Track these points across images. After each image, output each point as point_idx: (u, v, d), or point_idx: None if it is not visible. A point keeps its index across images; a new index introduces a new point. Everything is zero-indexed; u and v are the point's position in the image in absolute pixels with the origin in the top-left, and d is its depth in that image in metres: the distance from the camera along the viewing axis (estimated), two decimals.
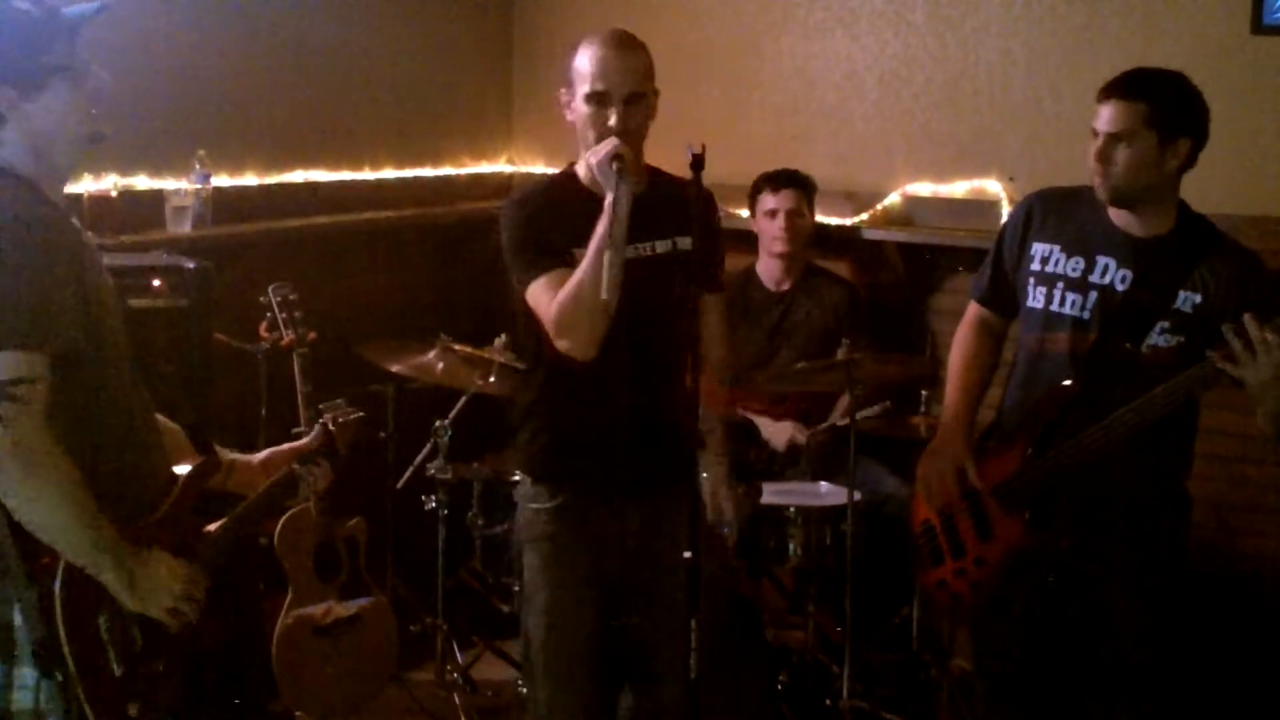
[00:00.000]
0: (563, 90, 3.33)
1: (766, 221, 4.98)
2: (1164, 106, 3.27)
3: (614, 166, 3.11)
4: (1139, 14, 4.76)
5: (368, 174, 5.45)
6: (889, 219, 5.26)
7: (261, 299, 4.40)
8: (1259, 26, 4.52)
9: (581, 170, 3.35)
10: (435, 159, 5.66)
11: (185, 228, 4.63)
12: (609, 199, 3.12)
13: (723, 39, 5.58)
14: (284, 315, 4.38)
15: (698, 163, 3.02)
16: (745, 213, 5.10)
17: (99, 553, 2.55)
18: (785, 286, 5.05)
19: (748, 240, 5.08)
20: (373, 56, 5.39)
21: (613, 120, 3.21)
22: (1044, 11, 4.96)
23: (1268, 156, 4.59)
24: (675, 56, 5.64)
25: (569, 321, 3.16)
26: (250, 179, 5.01)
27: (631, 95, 3.25)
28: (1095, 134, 3.30)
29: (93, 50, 2.64)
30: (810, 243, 5.09)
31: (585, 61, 3.26)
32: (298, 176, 5.18)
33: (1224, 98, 4.57)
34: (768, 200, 4.97)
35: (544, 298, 3.20)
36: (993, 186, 5.04)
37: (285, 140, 5.12)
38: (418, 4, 5.59)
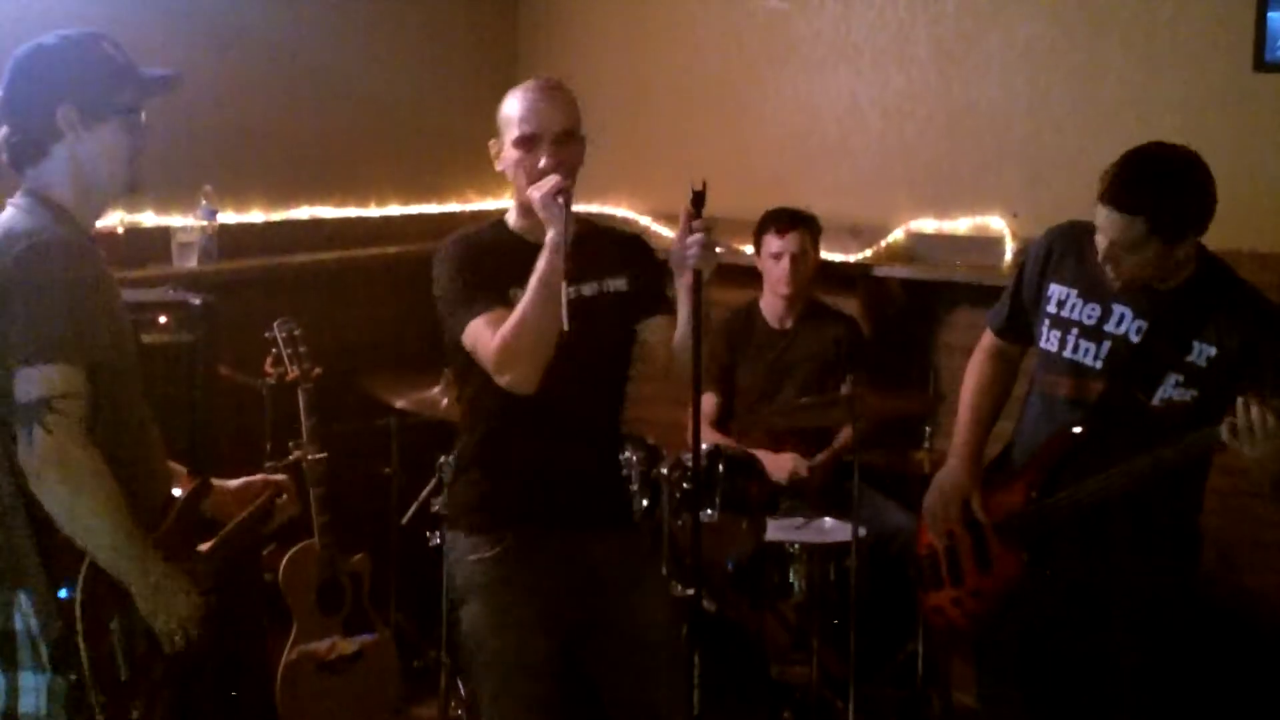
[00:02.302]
0: (491, 141, 3.30)
1: (771, 263, 4.98)
2: (1164, 217, 3.14)
3: (559, 200, 3.08)
4: (1141, 51, 4.78)
5: (373, 210, 5.47)
6: (893, 255, 5.27)
7: (266, 334, 4.42)
8: (1260, 64, 4.53)
9: (512, 219, 3.35)
10: (440, 195, 5.68)
11: (191, 263, 4.65)
12: (551, 234, 3.09)
13: (725, 73, 5.60)
14: (289, 351, 4.40)
15: (698, 199, 3.04)
16: (749, 248, 5.11)
17: (132, 560, 2.69)
18: (788, 323, 5.06)
19: (750, 274, 5.10)
20: (378, 94, 5.42)
21: (543, 161, 3.18)
22: (1046, 48, 4.97)
23: (1270, 193, 4.59)
24: (678, 91, 5.70)
25: (512, 355, 3.10)
26: (256, 215, 5.03)
27: (562, 134, 3.22)
28: (1101, 231, 3.21)
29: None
30: (814, 279, 5.09)
31: (513, 107, 3.25)
32: (303, 213, 5.20)
33: (1226, 134, 4.60)
34: (773, 243, 4.97)
35: (485, 335, 3.15)
36: (996, 223, 5.05)
37: (291, 177, 5.14)
38: (423, 42, 5.61)
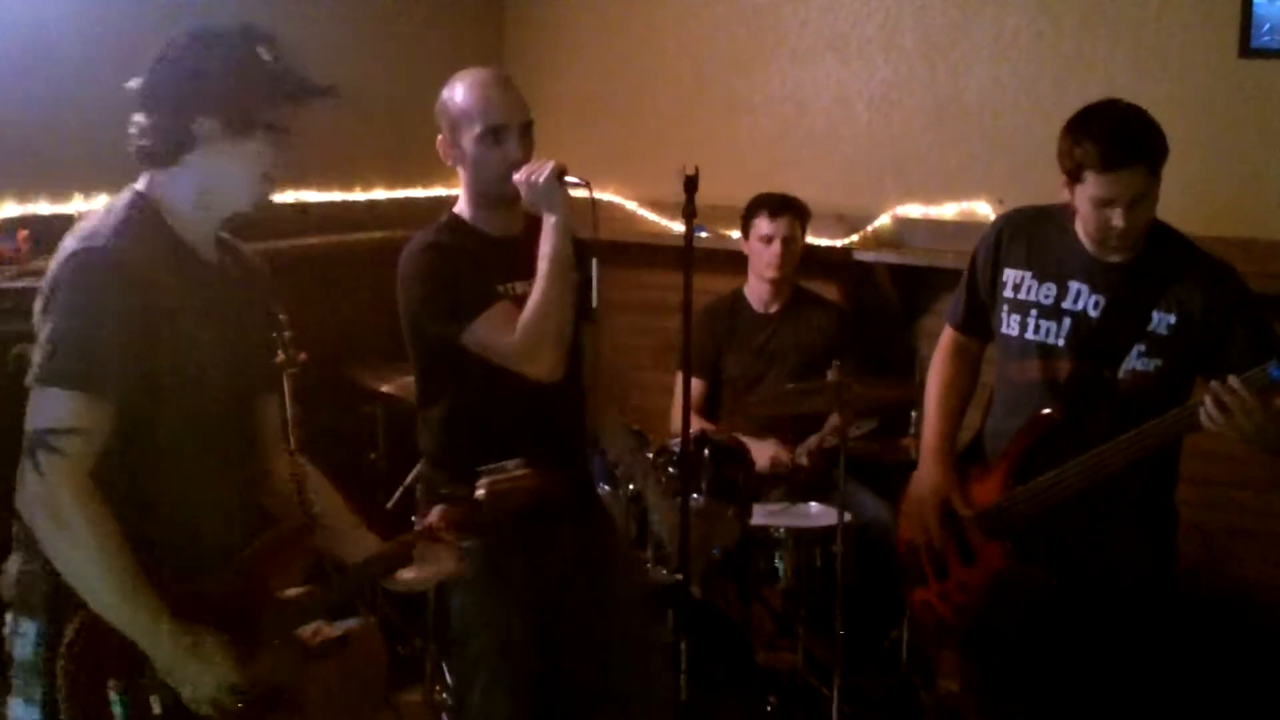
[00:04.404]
0: (440, 137, 3.26)
1: (761, 246, 4.98)
2: (1153, 153, 3.21)
3: (564, 181, 3.07)
4: (1128, 39, 4.79)
5: (359, 195, 5.46)
6: (879, 241, 5.28)
7: None
8: (1246, 50, 4.56)
9: (467, 213, 3.31)
10: (427, 180, 5.66)
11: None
12: (554, 218, 3.08)
13: (715, 63, 5.60)
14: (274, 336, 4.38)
15: (690, 185, 3.03)
16: (736, 234, 5.11)
17: (137, 625, 2.43)
18: (774, 309, 5.06)
19: (735, 261, 5.09)
20: (364, 77, 5.39)
21: (517, 152, 3.15)
22: (1033, 37, 4.98)
23: (1256, 179, 4.62)
24: (668, 81, 5.70)
25: (537, 343, 3.08)
26: None
27: (526, 124, 3.20)
28: (1105, 202, 3.20)
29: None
30: (799, 266, 5.10)
31: (470, 100, 3.19)
32: (288, 197, 5.17)
33: (1212, 121, 4.62)
34: (763, 226, 4.97)
35: (495, 333, 3.11)
36: (982, 209, 5.06)
37: None
38: (408, 27, 5.60)
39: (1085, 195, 3.24)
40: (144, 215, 2.51)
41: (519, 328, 3.09)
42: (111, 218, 2.49)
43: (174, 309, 2.49)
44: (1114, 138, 3.20)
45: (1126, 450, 3.24)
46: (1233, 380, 3.05)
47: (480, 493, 2.79)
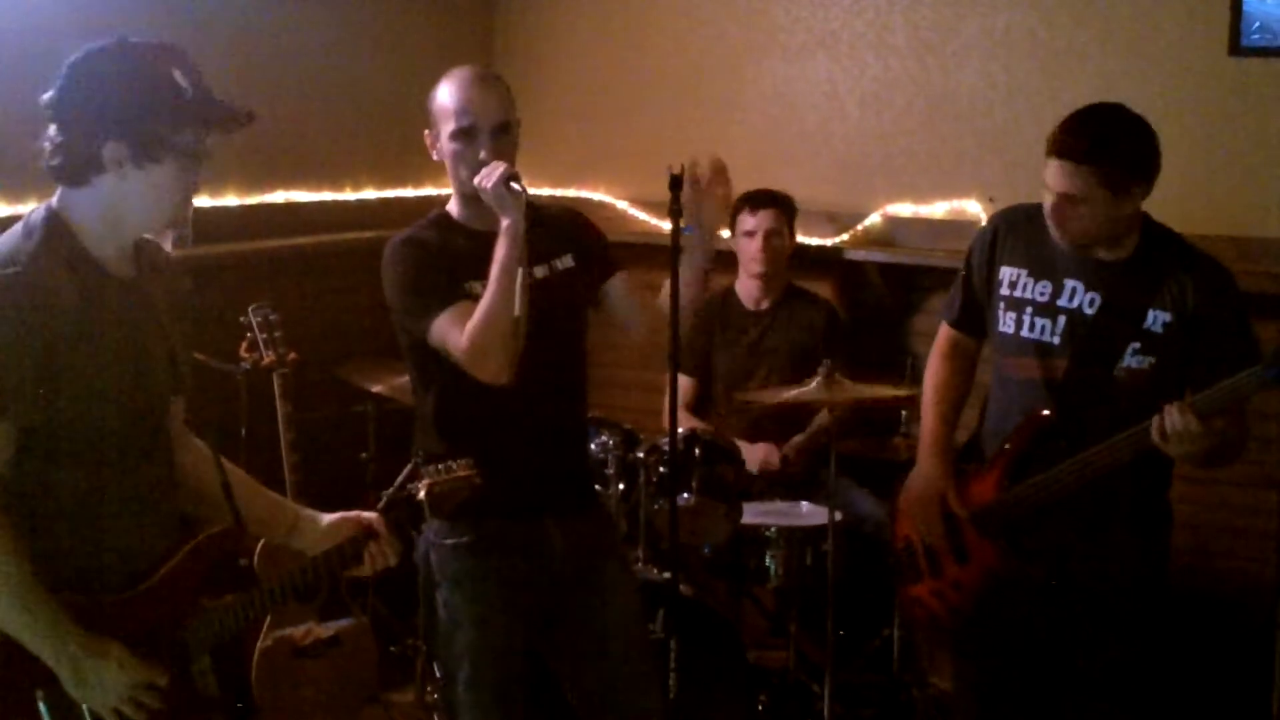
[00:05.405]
0: (427, 131, 3.29)
1: (745, 242, 4.98)
2: (1114, 167, 3.17)
3: (510, 187, 3.07)
4: (1119, 37, 4.79)
5: (349, 195, 5.45)
6: (870, 239, 5.28)
7: (242, 319, 4.39)
8: (1236, 48, 4.56)
9: (454, 209, 3.33)
10: (416, 180, 5.66)
11: (165, 248, 4.61)
12: (506, 222, 3.08)
13: (705, 61, 5.59)
14: (264, 336, 4.38)
15: (675, 183, 3.03)
16: (726, 233, 5.11)
17: (34, 633, 2.44)
18: (764, 306, 5.06)
19: (726, 260, 5.09)
20: (353, 77, 5.39)
21: (484, 154, 3.17)
22: (1024, 35, 4.98)
23: (1246, 177, 4.62)
24: (657, 77, 5.69)
25: (484, 349, 3.07)
26: (231, 199, 5.00)
27: (499, 126, 3.22)
28: (1048, 188, 3.23)
29: None
30: (789, 263, 5.09)
31: (448, 98, 3.23)
32: (278, 197, 5.16)
33: (1203, 119, 4.63)
34: (747, 221, 4.98)
35: (452, 331, 3.12)
36: (973, 207, 5.06)
37: (266, 161, 5.11)
38: (398, 26, 5.59)
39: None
40: (55, 235, 2.50)
41: (465, 331, 3.09)
42: (21, 240, 2.48)
43: (79, 330, 2.48)
44: (1072, 129, 3.20)
45: (1116, 455, 3.23)
46: (1175, 410, 3.07)
47: (421, 494, 2.78)
